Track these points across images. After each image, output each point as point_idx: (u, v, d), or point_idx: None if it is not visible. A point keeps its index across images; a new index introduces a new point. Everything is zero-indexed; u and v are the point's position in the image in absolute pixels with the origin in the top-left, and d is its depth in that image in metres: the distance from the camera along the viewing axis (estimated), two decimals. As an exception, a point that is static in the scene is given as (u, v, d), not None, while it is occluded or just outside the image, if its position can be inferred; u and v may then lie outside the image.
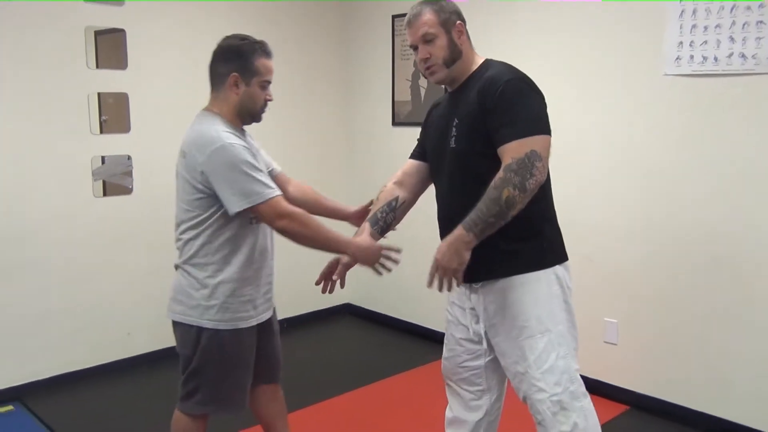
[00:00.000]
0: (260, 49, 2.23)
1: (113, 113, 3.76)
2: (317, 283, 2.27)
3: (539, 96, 2.00)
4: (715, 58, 2.91)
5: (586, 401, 2.06)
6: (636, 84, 3.20)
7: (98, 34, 3.65)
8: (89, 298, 3.74)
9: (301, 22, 4.37)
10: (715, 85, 2.95)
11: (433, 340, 4.33)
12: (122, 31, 3.69)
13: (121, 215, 3.81)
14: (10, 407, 3.41)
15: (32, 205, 3.51)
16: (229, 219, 2.18)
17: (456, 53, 2.07)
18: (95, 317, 3.77)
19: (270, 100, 2.29)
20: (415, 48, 2.11)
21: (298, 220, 2.15)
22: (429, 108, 2.35)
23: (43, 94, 3.49)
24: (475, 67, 2.10)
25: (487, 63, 2.10)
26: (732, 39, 2.85)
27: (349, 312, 4.95)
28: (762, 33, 2.76)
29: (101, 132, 3.71)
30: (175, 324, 2.33)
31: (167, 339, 3.97)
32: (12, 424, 3.27)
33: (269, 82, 2.27)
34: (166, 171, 3.91)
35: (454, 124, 2.07)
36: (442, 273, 1.95)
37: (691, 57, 2.98)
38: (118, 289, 3.84)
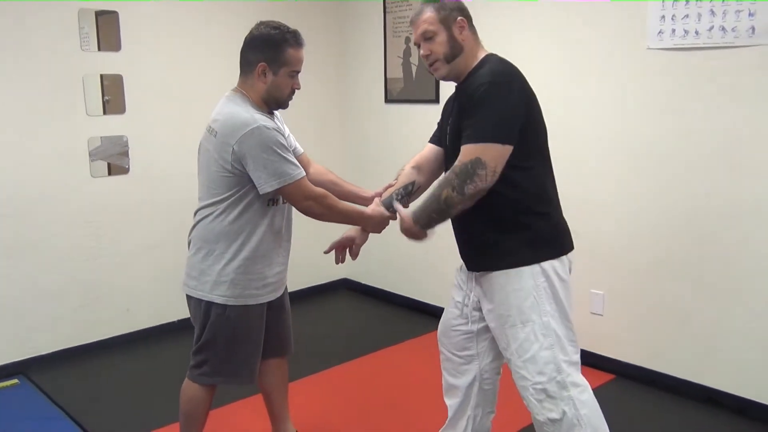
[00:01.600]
0: (291, 38, 2.24)
1: (109, 94, 3.81)
2: (327, 252, 2.48)
3: (510, 102, 1.99)
4: (696, 32, 2.93)
5: (577, 391, 2.07)
6: (620, 58, 3.23)
7: (98, 15, 3.71)
8: (89, 275, 3.83)
9: (293, 1, 4.41)
10: (696, 58, 2.98)
11: (426, 313, 4.42)
12: (115, 12, 3.74)
13: (119, 194, 3.89)
14: (14, 381, 3.52)
15: (33, 185, 3.59)
16: (250, 200, 2.26)
17: (456, 49, 2.08)
18: (95, 294, 3.87)
19: (298, 89, 2.34)
20: (418, 45, 2.14)
21: (320, 203, 2.29)
22: (449, 97, 2.33)
23: (42, 76, 3.55)
24: (476, 62, 2.11)
25: (484, 60, 2.11)
26: (713, 12, 2.87)
27: (346, 287, 5.04)
28: (741, 6, 2.78)
29: (104, 113, 3.78)
30: (188, 298, 2.41)
31: (166, 315, 4.12)
32: (17, 397, 3.39)
33: (298, 72, 2.30)
34: (161, 151, 4.01)
35: (449, 122, 2.14)
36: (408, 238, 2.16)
37: (673, 31, 3.00)
38: (118, 267, 3.93)
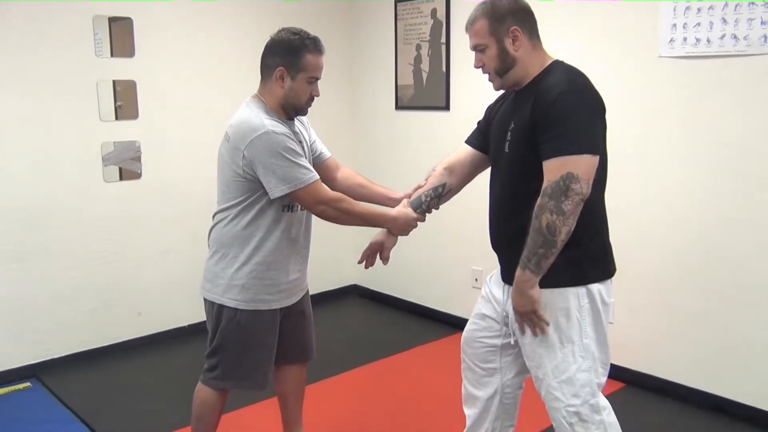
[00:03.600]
0: (311, 45, 2.24)
1: (122, 100, 3.85)
2: (360, 263, 2.42)
3: (592, 111, 1.92)
4: (708, 40, 2.94)
5: (607, 414, 2.05)
6: (631, 66, 3.24)
7: (111, 21, 3.75)
8: (101, 279, 3.86)
9: (305, 8, 4.43)
10: (708, 66, 2.98)
11: (436, 319, 4.42)
12: (129, 19, 3.78)
13: (131, 199, 3.92)
14: (27, 384, 3.55)
15: (46, 189, 3.63)
16: (263, 205, 2.26)
17: (508, 62, 1.99)
18: (107, 298, 3.89)
19: (317, 96, 2.32)
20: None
21: (335, 206, 2.26)
22: (497, 98, 2.26)
23: (55, 82, 3.58)
24: (539, 70, 2.00)
25: (551, 67, 2.01)
26: (724, 20, 2.87)
27: (356, 293, 5.05)
28: (753, 14, 2.79)
29: (116, 118, 3.81)
30: (204, 300, 2.42)
31: (177, 319, 4.15)
32: (29, 400, 3.42)
33: (317, 78, 2.29)
34: (173, 156, 4.04)
35: (510, 128, 2.04)
36: (524, 319, 1.99)
37: (685, 39, 3.01)
38: (129, 271, 3.96)
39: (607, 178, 2.06)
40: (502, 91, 2.20)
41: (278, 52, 2.26)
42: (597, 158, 1.89)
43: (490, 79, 2.07)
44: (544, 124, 1.89)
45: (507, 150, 2.05)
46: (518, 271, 1.93)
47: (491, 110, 2.27)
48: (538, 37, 2.04)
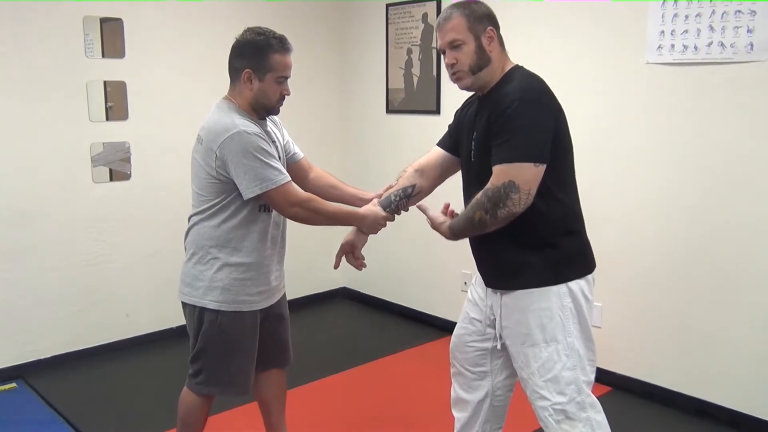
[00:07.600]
0: (276, 44, 2.22)
1: (112, 101, 3.85)
2: (336, 267, 2.44)
3: (544, 119, 1.94)
4: (695, 47, 2.96)
5: (594, 412, 2.05)
6: (619, 72, 3.26)
7: (102, 22, 3.75)
8: (89, 280, 3.85)
9: (296, 11, 4.45)
10: (695, 73, 3.00)
11: (425, 322, 4.43)
12: (119, 20, 3.78)
13: (120, 200, 3.91)
14: (13, 385, 3.53)
15: (35, 189, 3.62)
16: (239, 206, 2.25)
17: (484, 60, 2.00)
18: (95, 299, 3.88)
19: (287, 95, 2.31)
20: (443, 52, 2.06)
21: (306, 207, 2.25)
22: (464, 103, 2.28)
23: (46, 82, 3.58)
24: (501, 75, 2.04)
25: (512, 73, 2.04)
26: (711, 28, 2.90)
27: (344, 295, 5.05)
28: (740, 22, 2.81)
29: (107, 119, 3.81)
30: (183, 305, 2.40)
31: (165, 320, 4.13)
32: (15, 400, 3.40)
33: (286, 78, 2.27)
34: (163, 157, 4.03)
35: (473, 137, 2.07)
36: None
37: (672, 46, 3.03)
38: (117, 272, 3.95)
39: (575, 178, 2.11)
40: (469, 94, 2.22)
41: (244, 54, 2.24)
42: (542, 167, 1.91)
43: (458, 77, 2.04)
44: (495, 131, 1.94)
45: (472, 159, 2.08)
46: (447, 229, 2.08)
47: (459, 114, 2.29)
48: (504, 44, 2.08)
